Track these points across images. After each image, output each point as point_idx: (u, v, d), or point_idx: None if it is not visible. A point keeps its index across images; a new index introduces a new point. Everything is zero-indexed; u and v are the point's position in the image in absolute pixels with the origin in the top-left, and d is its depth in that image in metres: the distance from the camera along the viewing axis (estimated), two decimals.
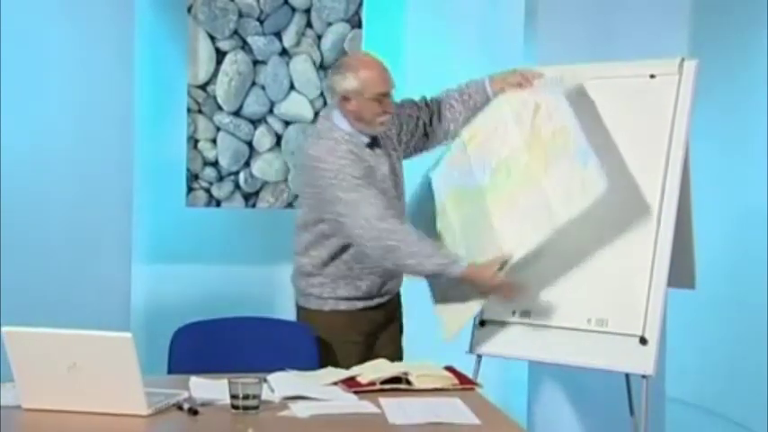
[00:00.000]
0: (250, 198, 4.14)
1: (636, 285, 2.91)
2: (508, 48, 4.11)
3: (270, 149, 4.15)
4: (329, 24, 4.12)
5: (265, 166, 4.14)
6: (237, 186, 4.12)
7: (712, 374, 4.60)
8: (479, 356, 3.13)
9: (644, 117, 3.03)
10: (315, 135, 3.08)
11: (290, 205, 4.16)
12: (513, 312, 3.06)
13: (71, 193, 3.80)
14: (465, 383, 2.57)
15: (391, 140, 3.10)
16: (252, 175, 4.13)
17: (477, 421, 2.26)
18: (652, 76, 3.04)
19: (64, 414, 2.17)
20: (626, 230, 2.96)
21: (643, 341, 2.86)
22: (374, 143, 3.01)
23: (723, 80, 4.39)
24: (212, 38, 4.03)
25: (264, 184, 4.15)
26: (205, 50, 4.02)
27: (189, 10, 3.99)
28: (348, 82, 2.94)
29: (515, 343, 3.06)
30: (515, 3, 4.13)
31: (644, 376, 2.89)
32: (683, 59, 3.02)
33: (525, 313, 3.04)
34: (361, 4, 4.12)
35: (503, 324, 3.09)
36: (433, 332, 4.03)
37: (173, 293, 4.15)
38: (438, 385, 2.53)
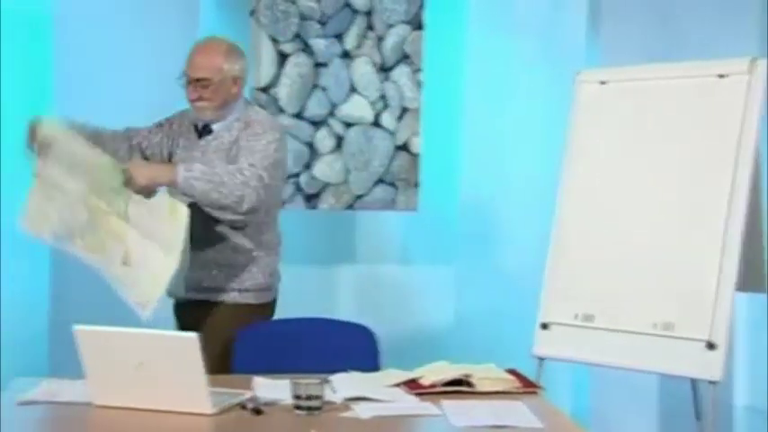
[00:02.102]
0: (311, 199, 4.16)
1: (703, 289, 2.86)
2: (570, 49, 4.08)
3: (331, 151, 4.17)
4: (390, 26, 4.13)
5: (326, 168, 4.16)
6: (299, 188, 4.15)
7: None
8: (541, 359, 3.10)
9: (712, 117, 2.98)
10: None
11: (350, 207, 4.18)
12: (576, 315, 3.03)
13: None
14: (527, 386, 2.55)
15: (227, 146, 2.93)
16: (313, 177, 4.15)
17: (540, 425, 2.24)
18: (721, 76, 2.99)
19: (132, 411, 2.21)
20: (694, 233, 2.91)
21: (711, 346, 2.81)
22: (206, 128, 2.95)
23: None
24: (274, 41, 4.07)
25: (325, 185, 4.17)
26: (267, 53, 4.06)
27: (251, 13, 4.03)
28: None
29: (578, 346, 3.03)
30: (578, 4, 4.09)
31: (711, 382, 2.83)
32: (753, 59, 2.96)
33: (589, 317, 3.00)
34: (422, 6, 4.12)
35: (565, 327, 3.06)
36: (491, 334, 4.03)
37: None
38: (500, 388, 2.51)
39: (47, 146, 2.75)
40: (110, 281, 2.76)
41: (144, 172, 2.74)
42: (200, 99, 2.88)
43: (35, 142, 2.75)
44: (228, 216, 2.83)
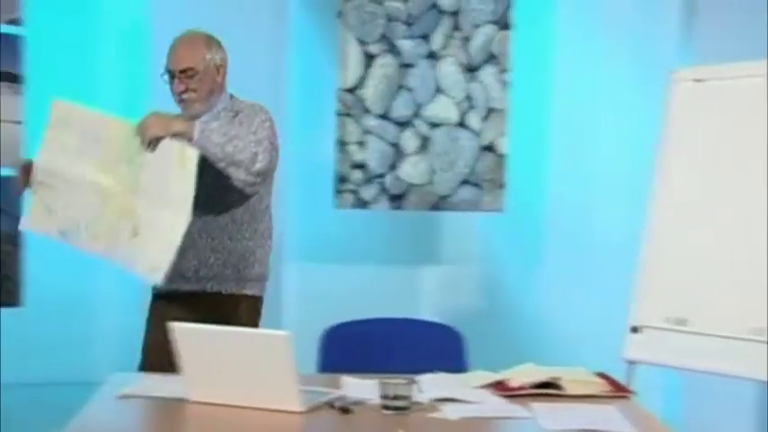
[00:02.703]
0: (396, 200, 4.18)
1: None
2: (661, 47, 4.00)
3: (416, 152, 4.17)
4: (477, 26, 4.12)
5: (411, 169, 4.17)
6: (384, 188, 4.16)
7: None
8: (631, 363, 3.04)
9: None
10: None
11: (435, 207, 4.18)
12: (668, 319, 2.96)
13: None
14: (619, 391, 2.50)
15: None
16: (398, 178, 4.16)
17: (633, 430, 2.20)
18: None
19: (225, 408, 2.24)
20: None
21: None
22: None
23: None
24: (361, 42, 4.09)
25: (410, 186, 4.17)
26: (354, 54, 4.09)
27: (339, 15, 4.06)
28: None
29: (670, 351, 2.97)
30: (669, 2, 4.01)
31: None
32: None
33: (681, 321, 2.94)
34: (509, 6, 4.09)
35: (657, 330, 3.00)
36: (578, 337, 3.97)
37: (319, 292, 4.23)
38: (590, 391, 2.47)
39: (39, 182, 2.78)
40: (115, 262, 2.77)
41: (159, 122, 2.72)
42: (186, 91, 2.86)
43: (28, 182, 2.79)
44: (242, 175, 2.75)
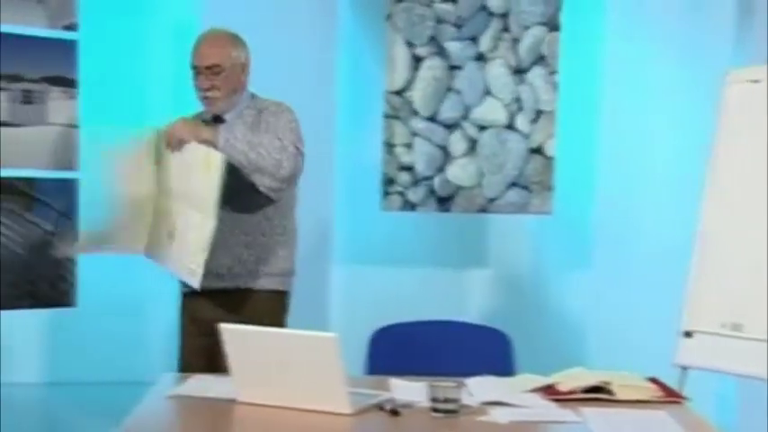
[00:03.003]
0: (444, 202, 4.17)
1: None
2: (715, 48, 3.94)
3: (464, 154, 4.16)
4: (526, 28, 4.09)
5: (459, 171, 4.16)
6: (432, 191, 4.16)
7: None
8: (684, 368, 3.00)
9: None
10: None
11: (483, 210, 4.16)
12: (723, 324, 2.91)
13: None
14: (671, 396, 2.47)
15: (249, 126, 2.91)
16: (446, 180, 4.16)
17: None
18: None
19: (273, 409, 2.25)
20: None
21: None
22: (218, 120, 2.91)
23: None
24: (409, 44, 4.09)
25: (458, 188, 4.16)
26: (402, 57, 4.09)
27: (387, 17, 4.07)
28: None
29: (724, 356, 2.91)
30: (722, 3, 3.95)
31: None
32: None
33: (737, 326, 2.88)
34: (559, 7, 4.06)
35: (710, 336, 2.95)
36: (628, 341, 3.93)
37: (366, 295, 4.24)
38: (642, 397, 2.44)
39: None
40: (157, 262, 2.82)
41: (187, 127, 2.80)
42: (211, 88, 2.87)
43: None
44: (266, 181, 2.78)
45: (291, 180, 2.85)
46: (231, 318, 2.59)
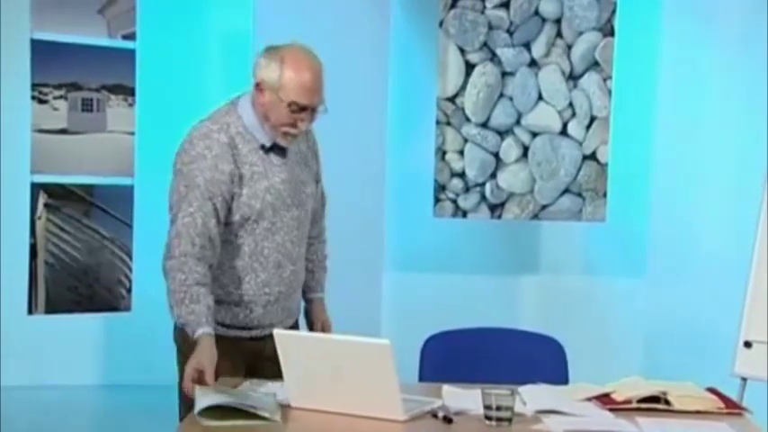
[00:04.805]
0: (496, 209, 4.15)
1: None
2: None
3: (516, 161, 4.14)
4: (580, 33, 4.06)
5: (511, 178, 4.14)
6: (484, 197, 4.14)
7: None
8: (744, 379, 2.95)
9: None
10: (210, 113, 2.57)
11: (535, 217, 4.14)
12: None
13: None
14: (732, 407, 2.42)
15: (304, 157, 2.61)
16: (498, 187, 4.14)
17: None
18: None
19: (327, 415, 2.26)
20: None
21: None
22: (274, 148, 2.52)
23: None
24: (462, 50, 4.09)
25: (510, 195, 4.14)
26: (455, 63, 4.09)
27: (440, 24, 4.07)
28: (269, 71, 2.43)
29: None
30: None
31: None
32: None
33: None
34: (614, 12, 4.02)
35: None
36: (684, 350, 3.87)
37: (418, 301, 4.23)
38: (701, 407, 2.39)
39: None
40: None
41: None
42: (297, 128, 2.47)
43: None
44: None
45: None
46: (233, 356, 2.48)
